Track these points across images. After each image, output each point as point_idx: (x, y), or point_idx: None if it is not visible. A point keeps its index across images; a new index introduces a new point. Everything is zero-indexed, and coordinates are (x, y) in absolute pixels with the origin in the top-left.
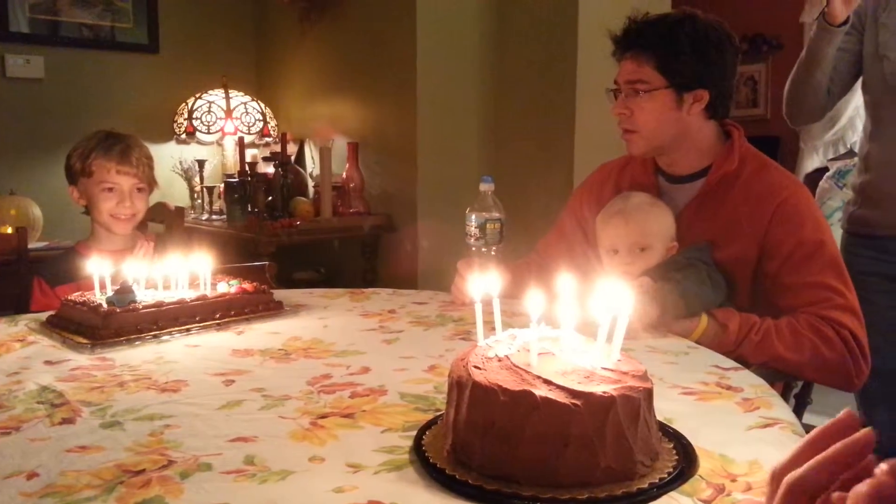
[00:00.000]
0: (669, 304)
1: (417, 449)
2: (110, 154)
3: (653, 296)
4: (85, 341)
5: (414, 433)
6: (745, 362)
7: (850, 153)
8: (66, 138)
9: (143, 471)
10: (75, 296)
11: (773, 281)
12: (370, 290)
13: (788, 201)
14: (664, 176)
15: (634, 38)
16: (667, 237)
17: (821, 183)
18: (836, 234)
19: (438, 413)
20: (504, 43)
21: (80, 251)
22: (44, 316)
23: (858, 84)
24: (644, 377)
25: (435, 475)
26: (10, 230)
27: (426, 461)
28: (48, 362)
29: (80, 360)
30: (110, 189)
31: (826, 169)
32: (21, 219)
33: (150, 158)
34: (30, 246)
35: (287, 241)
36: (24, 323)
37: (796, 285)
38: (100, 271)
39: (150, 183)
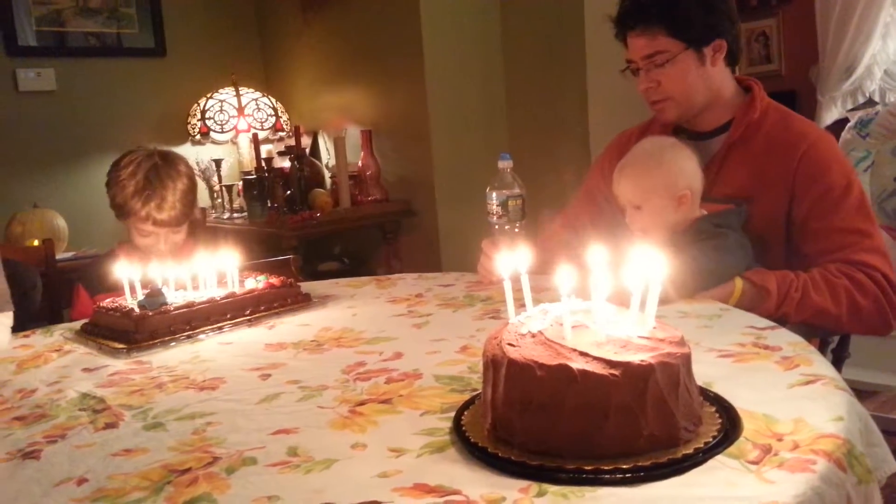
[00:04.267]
0: (670, 285)
1: (457, 429)
2: (147, 207)
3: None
4: (121, 346)
5: (452, 414)
6: (782, 321)
7: (870, 102)
8: (84, 147)
9: (189, 469)
10: (107, 302)
11: (800, 227)
12: (396, 275)
13: (814, 147)
14: (686, 134)
15: (637, 14)
16: (668, 189)
17: (843, 134)
18: (862, 182)
19: (475, 393)
20: (510, 18)
21: (122, 254)
22: (78, 325)
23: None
24: (681, 343)
25: (477, 454)
26: (37, 243)
27: (467, 441)
28: (86, 370)
29: (118, 364)
30: (146, 235)
31: (846, 120)
32: (46, 231)
33: (188, 194)
34: (57, 257)
35: (309, 234)
36: (59, 333)
37: (824, 230)
38: (129, 276)
39: (189, 216)
